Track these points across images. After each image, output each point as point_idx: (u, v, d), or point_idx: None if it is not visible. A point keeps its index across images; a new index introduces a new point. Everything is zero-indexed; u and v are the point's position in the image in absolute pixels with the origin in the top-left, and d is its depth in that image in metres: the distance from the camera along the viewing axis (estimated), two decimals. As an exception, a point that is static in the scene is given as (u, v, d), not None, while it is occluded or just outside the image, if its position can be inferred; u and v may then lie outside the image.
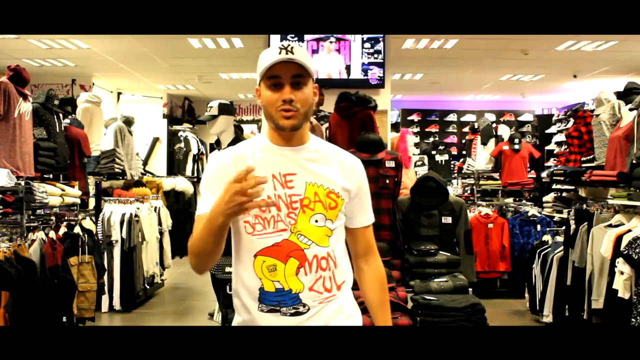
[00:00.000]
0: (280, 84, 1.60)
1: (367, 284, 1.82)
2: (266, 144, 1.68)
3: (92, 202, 6.40)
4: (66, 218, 5.00)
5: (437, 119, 12.24)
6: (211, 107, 4.17)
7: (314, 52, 6.29)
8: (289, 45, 1.60)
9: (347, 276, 1.73)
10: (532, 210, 6.80)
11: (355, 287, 1.83)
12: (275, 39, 6.27)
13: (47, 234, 4.49)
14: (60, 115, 5.22)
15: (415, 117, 12.17)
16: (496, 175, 7.61)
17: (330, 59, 6.29)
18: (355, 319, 1.77)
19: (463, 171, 8.66)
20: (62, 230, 4.76)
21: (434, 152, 9.51)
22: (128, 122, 7.32)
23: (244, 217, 1.61)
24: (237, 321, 1.74)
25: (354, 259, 1.82)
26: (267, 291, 1.63)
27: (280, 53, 1.58)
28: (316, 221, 1.63)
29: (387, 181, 4.12)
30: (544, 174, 8.23)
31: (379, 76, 6.34)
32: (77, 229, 4.88)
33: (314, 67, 6.46)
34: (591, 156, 5.69)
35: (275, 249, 1.61)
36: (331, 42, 6.27)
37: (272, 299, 1.63)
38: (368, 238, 1.80)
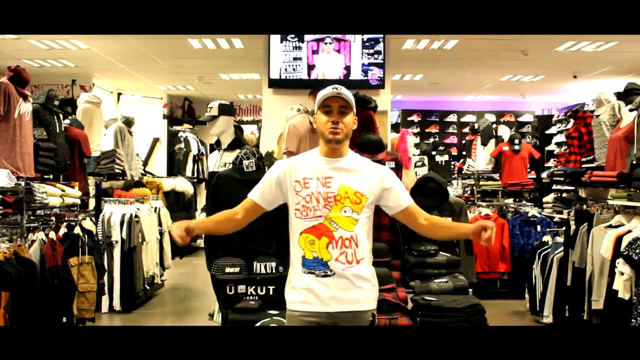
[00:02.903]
0: (330, 111, 2.30)
1: (431, 228, 2.45)
2: (317, 155, 2.37)
3: (92, 203, 6.39)
4: (66, 218, 4.99)
5: (437, 119, 12.24)
6: (211, 107, 4.17)
7: (314, 52, 6.30)
8: (339, 87, 2.30)
9: (366, 254, 2.34)
10: (532, 211, 6.79)
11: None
12: (275, 39, 6.27)
13: (47, 235, 4.49)
14: (61, 115, 5.22)
15: (415, 118, 12.17)
16: (496, 175, 7.60)
17: (330, 59, 6.30)
18: (362, 291, 2.30)
19: (463, 172, 8.66)
20: (62, 230, 4.75)
21: (434, 153, 9.50)
22: (128, 122, 7.32)
23: (295, 206, 2.30)
24: (289, 299, 2.36)
25: (418, 231, 2.45)
26: (307, 258, 2.29)
27: (332, 90, 2.29)
28: (345, 212, 2.26)
29: (387, 181, 4.11)
30: (544, 175, 8.23)
31: (379, 77, 6.34)
32: (77, 230, 4.88)
33: (315, 65, 6.41)
34: (591, 157, 5.69)
35: (314, 228, 2.27)
36: (327, 43, 6.27)
37: (309, 264, 2.29)
38: (415, 211, 2.41)
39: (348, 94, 2.30)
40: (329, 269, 2.26)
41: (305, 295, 2.27)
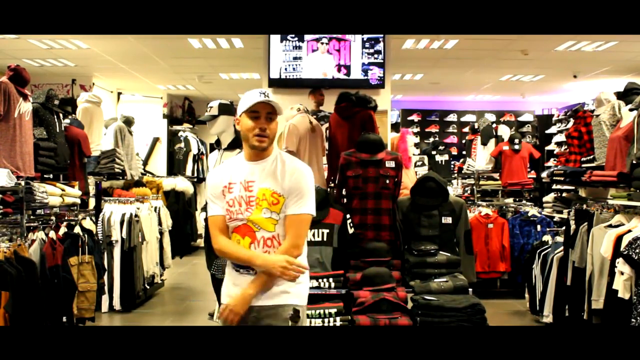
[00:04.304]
0: (258, 117, 2.34)
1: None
2: (241, 159, 2.45)
3: (92, 202, 6.39)
4: (66, 218, 4.99)
5: (437, 119, 12.23)
6: (211, 107, 4.17)
7: (314, 52, 6.30)
8: (266, 91, 2.34)
9: None
10: (532, 211, 6.79)
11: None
12: (275, 39, 6.27)
13: (47, 234, 4.49)
14: (61, 115, 5.22)
15: (415, 118, 12.17)
16: (496, 175, 7.61)
17: (324, 59, 6.30)
18: (280, 287, 2.34)
19: (463, 171, 8.66)
20: (62, 230, 4.75)
21: (434, 152, 9.50)
22: (128, 122, 7.32)
23: (225, 210, 2.38)
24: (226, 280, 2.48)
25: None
26: None
27: (260, 96, 2.32)
28: (264, 213, 2.34)
29: (387, 181, 4.12)
30: (544, 174, 8.23)
31: (379, 76, 6.34)
32: (77, 229, 4.88)
33: (309, 65, 6.42)
34: (591, 156, 5.69)
35: (238, 229, 2.38)
36: (322, 43, 6.27)
37: (236, 262, 2.40)
38: (292, 224, 2.39)
39: (274, 101, 2.34)
40: (250, 267, 2.34)
41: (232, 290, 2.38)
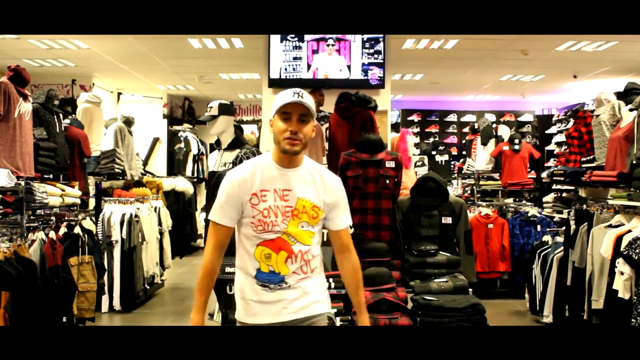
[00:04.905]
0: (289, 118, 2.16)
1: (344, 271, 2.38)
2: (271, 163, 2.22)
3: (92, 203, 6.39)
4: (66, 218, 4.99)
5: (437, 119, 12.23)
6: (211, 107, 4.17)
7: (314, 52, 6.30)
8: (300, 91, 2.16)
9: (318, 263, 2.30)
10: (532, 211, 6.79)
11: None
12: (275, 39, 6.27)
13: (47, 234, 4.49)
14: (61, 115, 5.22)
15: (415, 118, 12.16)
16: (496, 175, 7.60)
17: (331, 60, 6.29)
18: (311, 296, 2.25)
19: (463, 171, 8.66)
20: (62, 230, 4.75)
21: (434, 153, 9.50)
22: (128, 122, 7.32)
23: (251, 219, 2.18)
24: (238, 309, 2.32)
25: (335, 253, 2.39)
26: (262, 271, 2.21)
27: (293, 96, 2.14)
28: (302, 226, 2.20)
29: (387, 181, 4.11)
30: (544, 175, 8.23)
31: (379, 76, 6.34)
32: (77, 229, 4.88)
33: (314, 65, 6.43)
34: (591, 156, 5.68)
35: (271, 242, 2.18)
36: (329, 45, 6.26)
37: (264, 277, 2.21)
38: (344, 237, 2.36)
39: (309, 102, 2.16)
40: (284, 282, 2.20)
41: (257, 308, 2.21)
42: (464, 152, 10.02)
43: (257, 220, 2.17)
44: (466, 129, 11.20)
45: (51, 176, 5.07)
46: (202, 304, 2.30)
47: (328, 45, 6.25)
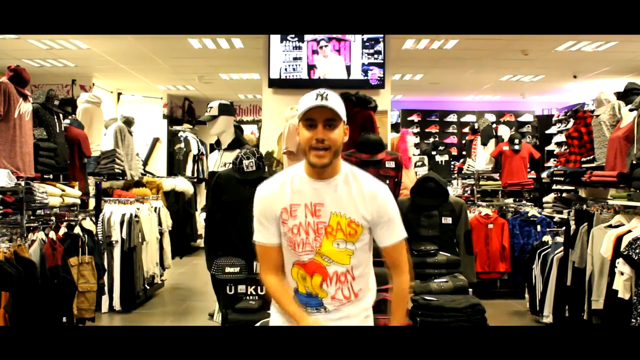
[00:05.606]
0: (314, 124, 1.89)
1: (391, 290, 2.11)
2: (302, 175, 1.99)
3: (92, 203, 6.39)
4: (66, 218, 5.00)
5: (437, 119, 12.23)
6: (211, 107, 4.17)
7: (314, 52, 6.29)
8: (324, 92, 1.89)
9: (364, 283, 2.06)
10: (532, 211, 6.79)
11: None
12: (275, 39, 6.26)
13: (47, 235, 4.49)
14: (61, 115, 5.22)
15: (415, 118, 12.16)
16: (496, 175, 7.61)
17: (329, 61, 6.29)
18: (355, 320, 2.05)
19: (463, 171, 8.65)
20: (62, 230, 4.75)
21: (434, 153, 9.50)
22: (128, 122, 7.32)
23: (284, 236, 1.99)
24: (274, 316, 2.12)
25: (388, 269, 2.10)
26: (300, 292, 2.04)
27: (316, 99, 1.88)
28: (337, 244, 1.95)
29: (387, 182, 4.11)
30: (544, 175, 8.23)
31: (379, 76, 6.33)
32: (77, 230, 4.88)
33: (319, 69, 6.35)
34: (591, 157, 5.68)
35: (304, 265, 1.99)
36: (321, 47, 6.25)
37: (302, 298, 2.03)
38: (392, 254, 2.07)
39: (335, 103, 1.89)
40: (323, 306, 2.02)
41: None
42: (464, 152, 10.02)
43: (288, 238, 1.98)
44: (466, 129, 11.20)
45: (51, 176, 5.08)
46: (296, 306, 2.03)
47: (321, 47, 6.24)
